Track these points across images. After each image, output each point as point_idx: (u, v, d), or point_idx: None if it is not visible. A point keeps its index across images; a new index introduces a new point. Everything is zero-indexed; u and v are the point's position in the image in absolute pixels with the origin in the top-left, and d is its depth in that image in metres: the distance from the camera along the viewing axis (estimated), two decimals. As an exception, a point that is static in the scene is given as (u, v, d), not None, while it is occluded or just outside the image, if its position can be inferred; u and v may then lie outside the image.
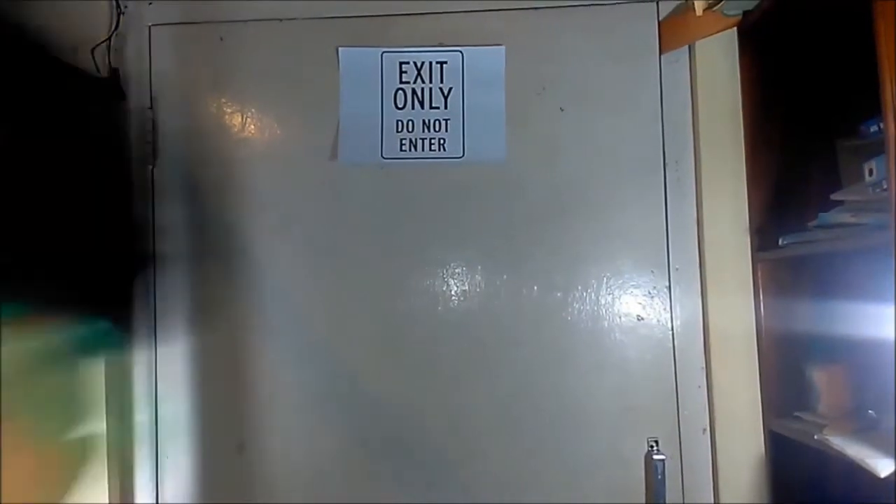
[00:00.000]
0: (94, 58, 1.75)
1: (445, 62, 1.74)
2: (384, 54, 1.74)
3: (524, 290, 1.72)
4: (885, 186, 1.22)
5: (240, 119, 1.77)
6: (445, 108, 1.75)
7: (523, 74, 1.75)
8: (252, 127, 1.77)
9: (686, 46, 1.73)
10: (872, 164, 1.30)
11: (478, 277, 1.73)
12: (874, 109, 1.22)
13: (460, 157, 1.74)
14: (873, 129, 1.35)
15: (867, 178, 1.32)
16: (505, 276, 1.73)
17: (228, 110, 1.77)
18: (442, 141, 1.74)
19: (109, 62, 1.76)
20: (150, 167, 1.75)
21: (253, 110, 1.77)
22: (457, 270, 1.74)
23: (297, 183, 1.76)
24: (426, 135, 1.74)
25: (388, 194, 1.75)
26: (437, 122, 1.74)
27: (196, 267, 1.75)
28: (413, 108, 1.74)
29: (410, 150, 1.74)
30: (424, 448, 1.72)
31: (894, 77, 1.19)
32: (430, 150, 1.74)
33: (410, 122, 1.75)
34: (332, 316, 1.74)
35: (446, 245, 1.75)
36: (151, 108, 1.76)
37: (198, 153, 1.77)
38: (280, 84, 1.77)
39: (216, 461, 1.73)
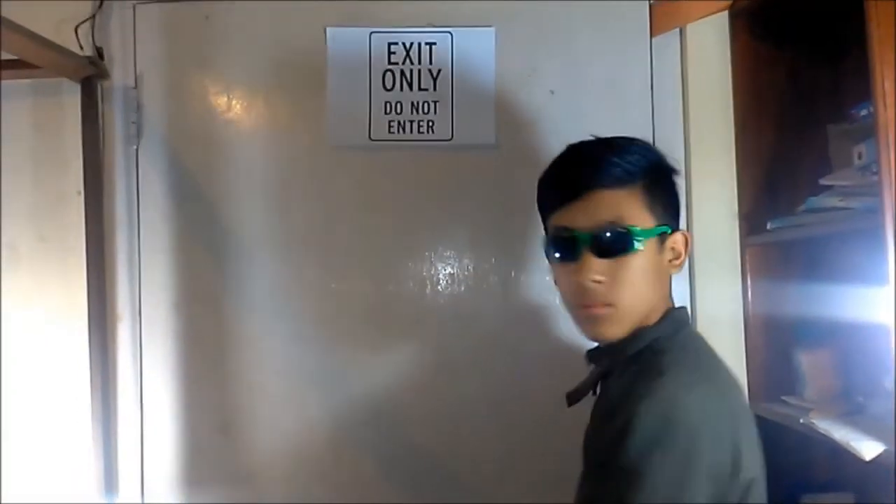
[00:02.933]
0: (77, 36, 1.73)
1: (434, 43, 1.72)
2: (372, 34, 1.72)
3: (513, 274, 1.71)
4: (874, 170, 1.22)
5: (225, 99, 1.74)
6: (434, 89, 1.72)
7: (513, 56, 1.73)
8: (238, 107, 1.74)
9: (677, 29, 1.72)
10: (862, 147, 1.30)
11: (466, 261, 1.72)
12: (865, 94, 1.22)
13: (449, 140, 1.71)
14: (863, 113, 1.35)
15: (856, 161, 1.32)
16: (493, 260, 1.72)
17: (214, 90, 1.75)
18: (430, 123, 1.71)
19: (94, 40, 1.74)
20: (135, 147, 1.73)
21: (238, 91, 1.74)
22: (445, 254, 1.72)
23: (284, 164, 1.74)
24: (414, 117, 1.71)
25: (375, 176, 1.73)
26: (425, 104, 1.71)
27: (181, 248, 1.73)
28: (402, 89, 1.71)
29: (399, 132, 1.71)
30: (411, 428, 1.71)
31: (885, 61, 1.19)
32: (419, 132, 1.70)
33: (399, 104, 1.71)
34: (318, 298, 1.72)
35: (435, 228, 1.73)
36: (136, 87, 1.74)
37: (183, 133, 1.75)
38: (266, 64, 1.74)
39: (200, 441, 1.71)
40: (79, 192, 1.70)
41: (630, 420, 0.93)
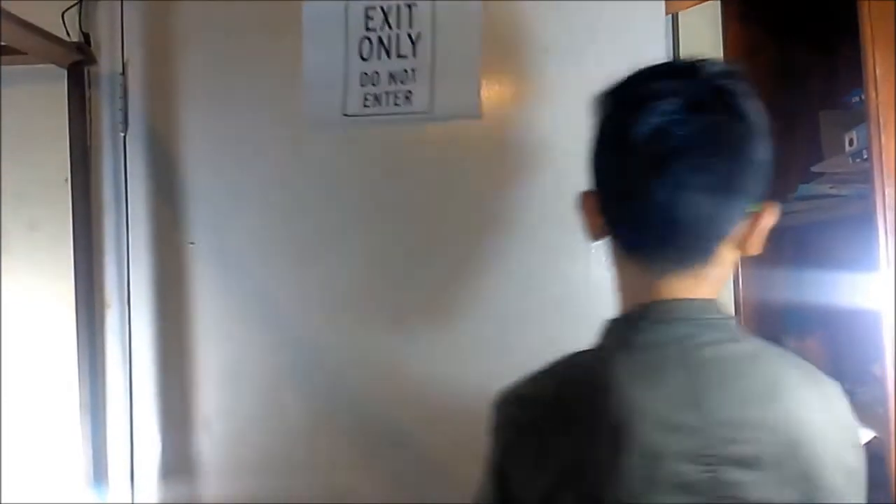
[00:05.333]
0: (64, 22, 1.71)
1: (414, 4, 1.58)
2: (349, 4, 1.60)
3: (511, 255, 1.60)
4: (865, 156, 1.21)
5: (210, 82, 1.72)
6: (413, 56, 1.57)
7: (500, 14, 1.59)
8: (222, 88, 1.71)
9: (669, 15, 1.71)
10: (853, 133, 1.29)
11: (443, 244, 1.62)
12: (857, 80, 1.22)
13: (428, 112, 1.56)
14: (855, 99, 1.34)
15: (847, 148, 1.32)
16: (478, 244, 1.61)
17: (200, 73, 1.73)
18: (408, 94, 1.56)
19: (80, 26, 1.72)
20: (122, 134, 1.72)
21: (223, 71, 1.71)
22: (427, 235, 1.63)
23: (262, 144, 1.67)
24: (392, 88, 1.56)
25: (350, 154, 1.63)
26: (403, 73, 1.57)
27: (166, 235, 1.71)
28: (379, 58, 1.58)
29: (374, 105, 1.57)
30: (388, 416, 1.68)
31: (877, 46, 1.18)
32: (395, 104, 1.56)
33: (376, 75, 1.58)
34: (291, 283, 1.67)
35: (413, 208, 1.62)
36: (123, 73, 1.72)
37: (170, 119, 1.73)
38: (248, 42, 1.69)
39: (189, 431, 1.71)
40: (66, 179, 1.69)
41: None
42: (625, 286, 0.89)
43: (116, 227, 1.72)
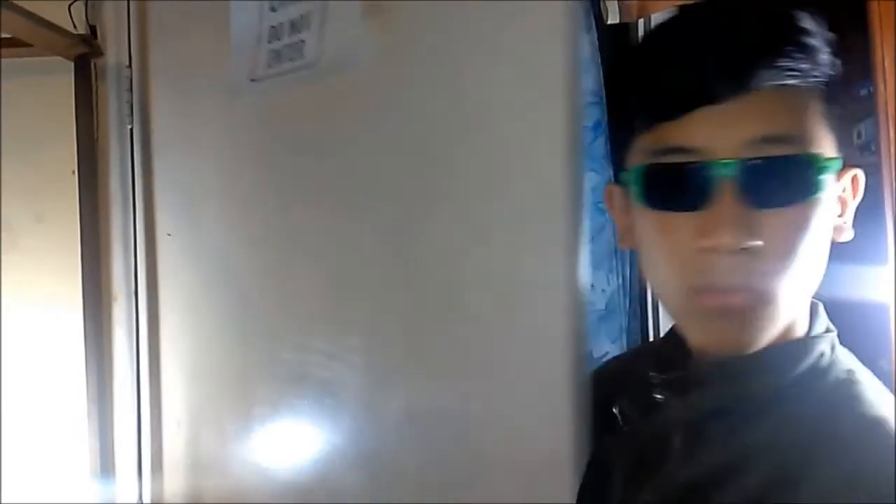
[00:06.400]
0: (71, 14, 1.71)
1: None
2: None
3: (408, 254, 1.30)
4: (872, 149, 1.21)
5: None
6: None
7: None
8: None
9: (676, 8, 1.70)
10: (861, 126, 1.29)
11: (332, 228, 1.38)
12: (865, 73, 1.21)
13: (316, 64, 1.23)
14: (863, 92, 1.34)
15: (855, 140, 1.31)
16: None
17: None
18: (301, 44, 1.24)
19: (87, 18, 1.72)
20: (129, 126, 1.72)
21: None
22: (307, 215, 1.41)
23: (202, 119, 1.53)
24: (291, 39, 1.24)
25: (274, 130, 1.40)
26: (300, 19, 1.23)
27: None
28: (284, 6, 1.26)
29: (276, 63, 1.27)
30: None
31: (885, 39, 1.18)
32: (290, 59, 1.25)
33: (281, 26, 1.25)
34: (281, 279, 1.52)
35: (300, 183, 1.39)
36: (129, 66, 1.72)
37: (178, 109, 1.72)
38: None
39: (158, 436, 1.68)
40: (73, 172, 1.69)
41: None
42: None
43: (123, 219, 1.72)
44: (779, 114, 0.60)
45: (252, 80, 1.27)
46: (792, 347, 0.65)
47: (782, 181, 0.59)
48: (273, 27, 1.26)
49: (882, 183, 1.15)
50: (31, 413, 1.74)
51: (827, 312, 0.75)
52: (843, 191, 0.67)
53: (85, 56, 1.69)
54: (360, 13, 1.18)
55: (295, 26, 1.23)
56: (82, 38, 1.68)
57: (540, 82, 0.99)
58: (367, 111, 1.27)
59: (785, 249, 0.60)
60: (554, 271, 1.00)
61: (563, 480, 0.87)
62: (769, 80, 0.59)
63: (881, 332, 1.17)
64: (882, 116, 1.17)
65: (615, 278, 1.75)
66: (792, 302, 0.63)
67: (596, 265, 1.72)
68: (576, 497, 0.74)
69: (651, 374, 0.71)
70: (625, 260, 1.82)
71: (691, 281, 0.62)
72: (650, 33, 0.69)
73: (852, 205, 0.69)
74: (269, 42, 1.26)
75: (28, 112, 1.75)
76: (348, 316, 1.40)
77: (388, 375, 1.49)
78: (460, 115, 1.14)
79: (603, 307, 1.72)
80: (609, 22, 1.73)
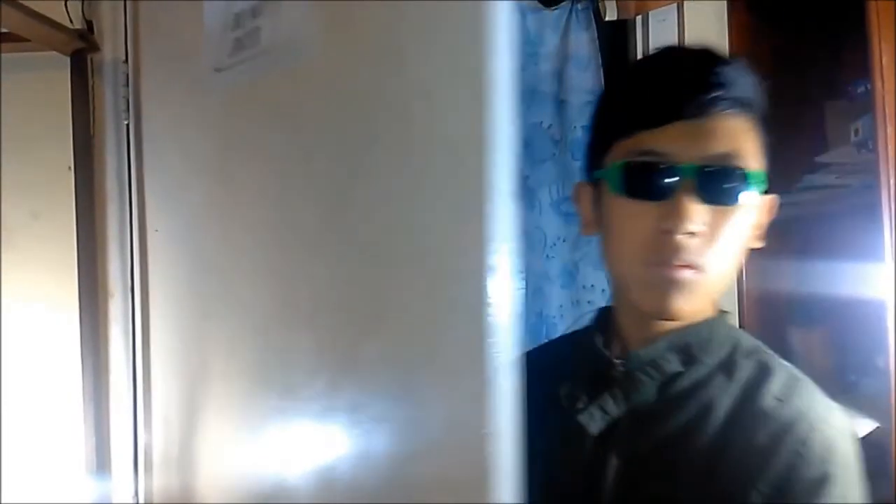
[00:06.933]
0: (67, 9, 1.71)
1: None
2: None
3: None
4: (870, 146, 1.21)
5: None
6: None
7: None
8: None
9: (675, 5, 1.70)
10: (859, 124, 1.29)
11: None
12: (863, 71, 1.21)
13: (269, 53, 1.14)
14: (861, 90, 1.34)
15: (853, 138, 1.31)
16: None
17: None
18: (258, 31, 1.15)
19: (83, 13, 1.71)
20: (126, 122, 1.71)
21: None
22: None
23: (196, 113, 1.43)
24: (250, 25, 1.16)
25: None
26: (260, 5, 1.15)
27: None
28: None
29: (236, 51, 1.19)
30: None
31: (883, 36, 1.18)
32: (248, 47, 1.16)
33: (244, 13, 1.17)
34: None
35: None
36: (126, 61, 1.72)
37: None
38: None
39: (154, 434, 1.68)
40: (70, 168, 1.69)
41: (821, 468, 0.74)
42: None
43: (120, 215, 1.72)
44: (729, 134, 0.77)
45: (217, 70, 1.22)
46: (715, 321, 0.84)
47: (725, 186, 0.77)
48: (237, 14, 1.19)
49: (879, 180, 1.15)
50: (26, 410, 1.73)
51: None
52: (763, 208, 0.83)
53: (81, 51, 1.69)
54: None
55: (254, 12, 1.17)
56: (79, 34, 1.68)
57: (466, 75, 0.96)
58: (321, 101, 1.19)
59: (719, 237, 0.77)
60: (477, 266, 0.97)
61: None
62: (721, 108, 0.77)
63: (878, 329, 1.17)
64: (879, 114, 1.17)
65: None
66: (717, 281, 0.79)
67: (597, 265, 1.72)
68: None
69: (596, 358, 0.87)
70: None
71: (649, 256, 0.78)
72: (637, 63, 0.90)
73: (766, 221, 0.85)
74: (233, 30, 1.20)
75: (24, 107, 1.75)
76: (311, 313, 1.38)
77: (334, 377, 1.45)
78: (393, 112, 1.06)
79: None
80: (607, 19, 1.73)
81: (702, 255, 0.76)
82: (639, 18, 1.72)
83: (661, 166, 0.77)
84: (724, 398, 0.79)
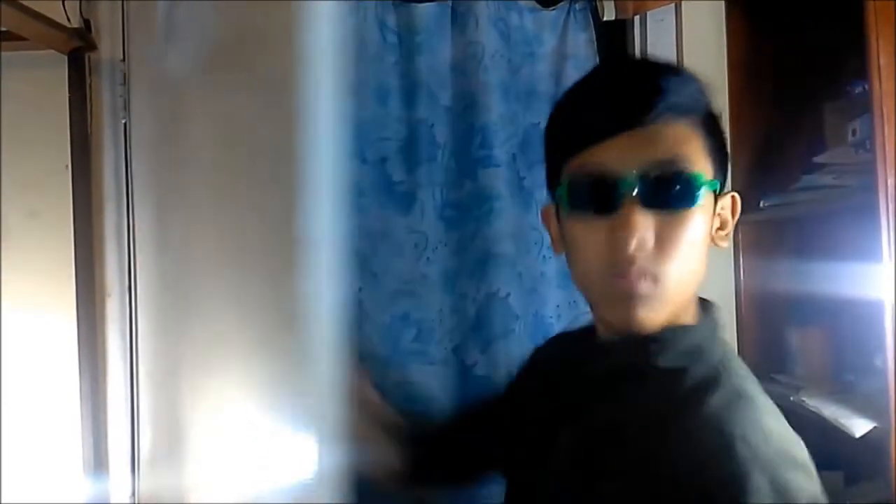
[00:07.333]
0: (65, 7, 1.70)
1: None
2: None
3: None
4: (868, 147, 1.21)
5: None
6: None
7: None
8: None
9: (672, 5, 1.70)
10: (856, 124, 1.29)
11: None
12: (861, 71, 1.22)
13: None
14: (859, 90, 1.34)
15: (850, 138, 1.31)
16: None
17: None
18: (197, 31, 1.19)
19: (81, 12, 1.71)
20: (123, 121, 1.71)
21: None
22: None
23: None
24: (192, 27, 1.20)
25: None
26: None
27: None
28: None
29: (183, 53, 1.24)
30: None
31: (881, 36, 1.18)
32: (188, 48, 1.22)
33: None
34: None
35: None
36: (124, 60, 1.71)
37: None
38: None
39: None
40: (67, 167, 1.68)
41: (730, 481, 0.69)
42: None
43: (117, 214, 1.72)
44: (668, 142, 0.78)
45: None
46: (679, 331, 0.81)
47: (670, 192, 0.77)
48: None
49: (877, 180, 1.16)
50: (23, 409, 1.73)
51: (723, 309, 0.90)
52: (723, 209, 0.84)
53: (79, 50, 1.68)
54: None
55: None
56: (76, 32, 1.67)
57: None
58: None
59: (672, 244, 0.77)
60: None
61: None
62: (660, 117, 0.77)
63: (876, 329, 1.17)
64: (877, 114, 1.17)
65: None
66: (677, 288, 0.78)
67: None
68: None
69: (573, 349, 0.92)
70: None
71: (607, 269, 0.78)
72: (574, 87, 0.86)
73: (732, 221, 0.86)
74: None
75: (21, 106, 1.74)
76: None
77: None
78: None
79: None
80: (605, 19, 1.73)
81: (657, 262, 0.77)
82: (637, 18, 1.72)
83: (607, 180, 0.77)
84: (670, 401, 0.79)
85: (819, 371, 1.50)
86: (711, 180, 0.80)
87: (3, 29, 1.54)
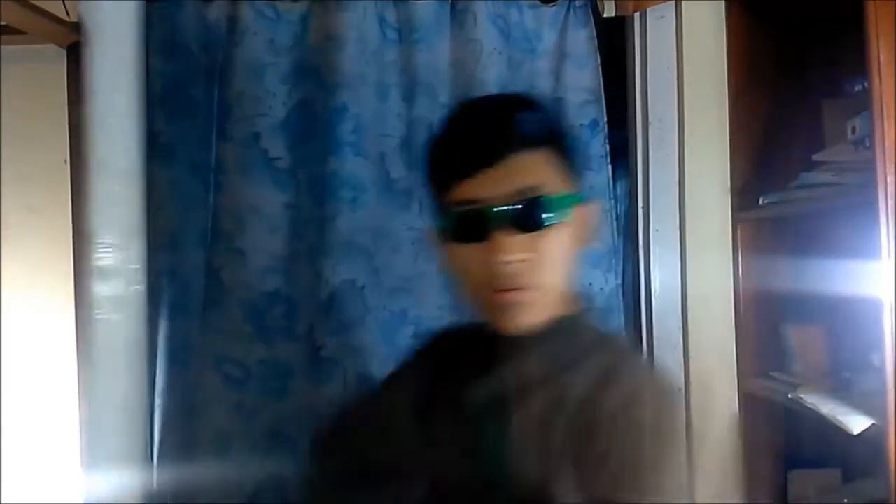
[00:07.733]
0: (64, 2, 1.70)
1: None
2: None
3: None
4: (867, 144, 1.21)
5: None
6: None
7: None
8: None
9: (673, 2, 1.70)
10: (856, 121, 1.29)
11: None
12: (860, 69, 1.21)
13: None
14: (858, 87, 1.34)
15: (849, 136, 1.31)
16: None
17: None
18: None
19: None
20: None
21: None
22: None
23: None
24: None
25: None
26: None
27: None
28: None
29: None
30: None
31: (881, 33, 1.18)
32: None
33: None
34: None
35: None
36: (123, 54, 1.71)
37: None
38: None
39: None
40: (66, 161, 1.68)
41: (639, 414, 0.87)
42: None
43: (116, 209, 1.71)
44: (526, 172, 0.89)
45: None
46: (558, 325, 0.94)
47: (533, 216, 0.89)
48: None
49: (876, 177, 1.16)
50: (23, 406, 1.73)
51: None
52: (588, 216, 0.96)
53: (78, 44, 1.68)
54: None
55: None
56: (76, 26, 1.67)
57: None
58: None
59: (545, 258, 0.89)
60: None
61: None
62: (513, 152, 0.89)
63: (874, 327, 1.17)
64: (877, 112, 1.17)
65: (613, 278, 1.75)
66: (553, 290, 0.92)
67: (595, 264, 1.72)
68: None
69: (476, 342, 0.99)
70: (626, 259, 1.83)
71: (489, 286, 0.90)
72: (441, 129, 0.96)
73: (591, 226, 0.97)
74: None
75: (20, 100, 1.74)
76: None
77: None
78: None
79: (601, 306, 1.72)
80: (605, 16, 1.73)
81: (531, 276, 0.89)
82: (637, 15, 1.72)
83: (478, 211, 0.89)
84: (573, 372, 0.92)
85: (817, 368, 1.50)
86: (572, 195, 0.92)
87: (3, 23, 1.54)
